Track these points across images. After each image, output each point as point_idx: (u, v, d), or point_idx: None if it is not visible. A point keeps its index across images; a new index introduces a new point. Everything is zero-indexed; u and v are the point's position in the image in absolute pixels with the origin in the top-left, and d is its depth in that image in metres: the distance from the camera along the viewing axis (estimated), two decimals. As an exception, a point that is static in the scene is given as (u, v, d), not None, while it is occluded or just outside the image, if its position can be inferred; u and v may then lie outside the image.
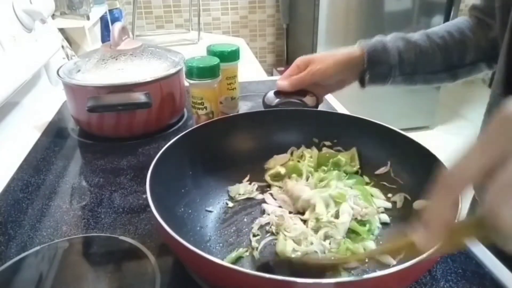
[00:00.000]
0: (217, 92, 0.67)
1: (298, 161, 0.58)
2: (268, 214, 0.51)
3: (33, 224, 0.52)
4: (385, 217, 0.50)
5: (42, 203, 0.56)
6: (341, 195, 0.49)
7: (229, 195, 0.55)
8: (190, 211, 0.50)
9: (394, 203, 0.52)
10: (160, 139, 0.73)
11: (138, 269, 0.45)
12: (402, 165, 0.53)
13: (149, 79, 0.68)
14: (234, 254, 0.45)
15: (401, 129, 0.53)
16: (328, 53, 0.69)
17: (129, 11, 2.35)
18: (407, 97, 2.50)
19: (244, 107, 0.84)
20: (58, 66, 0.75)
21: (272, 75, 2.42)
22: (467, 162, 0.24)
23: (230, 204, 0.54)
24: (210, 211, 0.52)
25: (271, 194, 0.55)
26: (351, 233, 0.47)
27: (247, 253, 0.46)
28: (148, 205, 0.39)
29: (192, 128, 0.56)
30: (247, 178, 0.58)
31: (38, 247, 0.48)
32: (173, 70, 0.72)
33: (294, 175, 0.56)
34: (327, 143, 0.60)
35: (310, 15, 2.28)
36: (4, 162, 0.67)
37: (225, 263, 0.34)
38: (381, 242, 0.47)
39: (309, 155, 0.58)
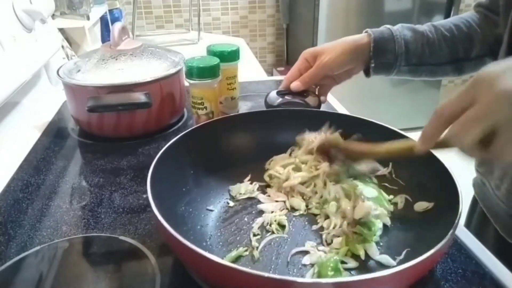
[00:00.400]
0: (217, 92, 0.67)
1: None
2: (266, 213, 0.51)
3: (33, 224, 0.52)
4: (387, 220, 0.50)
5: (42, 203, 0.56)
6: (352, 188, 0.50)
7: (230, 195, 0.55)
8: (190, 210, 0.50)
9: (395, 204, 0.52)
10: (160, 139, 0.73)
11: (138, 269, 0.45)
12: (403, 166, 0.53)
13: (149, 79, 0.68)
14: (234, 253, 0.45)
15: (401, 129, 0.53)
16: (335, 42, 0.69)
17: (129, 11, 2.35)
18: (407, 97, 2.50)
19: (244, 107, 0.84)
20: (58, 66, 0.75)
21: (272, 75, 2.43)
22: (449, 104, 0.36)
23: (231, 204, 0.54)
24: (211, 210, 0.52)
25: (266, 194, 0.55)
26: (354, 234, 0.47)
27: (247, 253, 0.46)
28: (148, 205, 0.39)
29: (193, 127, 0.56)
30: (248, 178, 0.58)
31: (38, 247, 0.48)
32: (173, 70, 0.72)
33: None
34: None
35: (310, 15, 2.28)
36: (4, 162, 0.67)
37: (225, 262, 0.34)
38: (381, 244, 0.47)
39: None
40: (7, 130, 0.75)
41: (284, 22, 2.70)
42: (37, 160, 0.67)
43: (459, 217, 0.38)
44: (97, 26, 1.64)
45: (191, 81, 0.64)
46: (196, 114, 0.67)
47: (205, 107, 0.66)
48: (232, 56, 0.71)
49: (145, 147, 0.70)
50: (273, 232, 0.49)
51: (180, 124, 0.79)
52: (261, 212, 0.52)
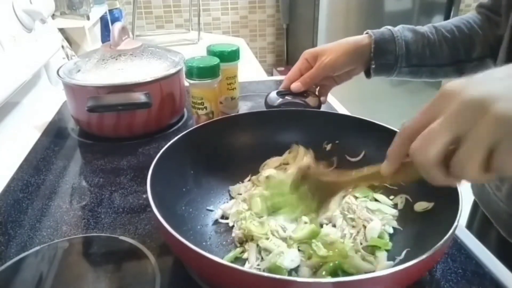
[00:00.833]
0: (217, 92, 0.67)
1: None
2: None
3: (33, 224, 0.52)
4: (394, 223, 0.49)
5: (42, 203, 0.56)
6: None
7: (230, 195, 0.55)
8: (191, 210, 0.50)
9: (395, 205, 0.51)
10: (160, 139, 0.73)
11: (138, 269, 0.45)
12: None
13: (149, 79, 0.68)
14: (233, 253, 0.45)
15: (401, 129, 0.52)
16: (335, 43, 0.69)
17: (129, 11, 2.35)
18: (407, 97, 2.49)
19: (244, 107, 0.84)
20: (58, 66, 0.75)
21: (272, 75, 2.42)
22: (412, 121, 0.33)
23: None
24: (211, 210, 0.52)
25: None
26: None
27: (246, 254, 0.46)
28: (148, 205, 0.39)
29: (193, 127, 0.56)
30: (248, 178, 0.58)
31: (38, 247, 0.48)
32: (173, 70, 0.72)
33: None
34: (329, 144, 0.59)
35: (310, 15, 2.28)
36: (4, 162, 0.67)
37: (224, 261, 0.34)
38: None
39: (303, 155, 0.58)
40: (7, 130, 0.75)
41: (284, 22, 2.70)
42: (37, 160, 0.67)
43: (459, 217, 0.38)
44: (97, 26, 1.63)
45: (191, 81, 0.64)
46: (196, 114, 0.67)
47: (205, 107, 0.66)
48: (232, 56, 0.71)
49: (145, 147, 0.70)
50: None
51: (180, 124, 0.79)
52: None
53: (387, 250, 0.45)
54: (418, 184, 0.50)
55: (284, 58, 2.85)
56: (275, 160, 0.59)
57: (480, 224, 0.71)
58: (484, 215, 0.67)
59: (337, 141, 0.59)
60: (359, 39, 0.69)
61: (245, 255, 0.45)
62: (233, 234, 0.48)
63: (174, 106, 0.76)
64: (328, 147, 0.59)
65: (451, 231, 0.36)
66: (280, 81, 0.74)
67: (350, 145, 0.58)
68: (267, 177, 0.54)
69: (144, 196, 0.56)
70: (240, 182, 0.57)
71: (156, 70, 0.71)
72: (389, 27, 0.70)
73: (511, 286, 0.41)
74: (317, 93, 0.72)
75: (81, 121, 0.74)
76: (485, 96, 0.28)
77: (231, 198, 0.55)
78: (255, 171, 0.58)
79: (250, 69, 1.25)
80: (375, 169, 0.39)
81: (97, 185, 0.60)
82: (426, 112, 0.32)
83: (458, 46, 0.69)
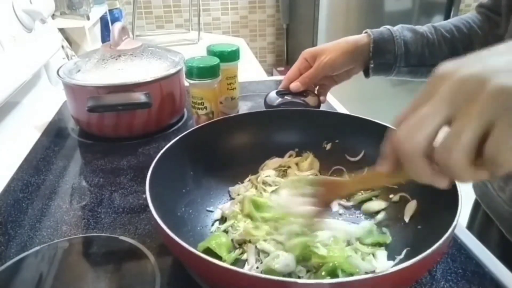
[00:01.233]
0: (217, 92, 0.67)
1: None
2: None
3: (33, 224, 0.52)
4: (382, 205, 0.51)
5: (42, 203, 0.56)
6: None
7: (230, 196, 0.55)
8: (191, 211, 0.50)
9: (395, 203, 0.51)
10: (160, 139, 0.73)
11: (138, 269, 0.45)
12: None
13: (149, 79, 0.68)
14: (233, 255, 0.45)
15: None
16: (335, 42, 0.69)
17: (129, 11, 2.35)
18: (407, 97, 2.49)
19: (244, 107, 0.84)
20: (58, 66, 0.75)
21: (272, 75, 2.42)
22: (405, 111, 0.30)
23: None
24: (211, 211, 0.52)
25: None
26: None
27: (245, 255, 0.45)
28: (148, 205, 0.39)
29: (193, 128, 0.56)
30: (248, 179, 0.58)
31: (38, 247, 0.48)
32: (173, 70, 0.72)
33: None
34: (329, 143, 0.59)
35: (310, 15, 2.28)
36: (4, 162, 0.67)
37: (223, 264, 0.34)
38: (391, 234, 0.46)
39: (306, 160, 0.58)
40: (7, 130, 0.75)
41: (284, 22, 2.70)
42: (37, 160, 0.67)
43: (458, 217, 0.38)
44: (97, 26, 1.63)
45: (191, 81, 0.64)
46: (196, 114, 0.67)
47: (205, 107, 0.66)
48: (232, 56, 0.71)
49: (145, 147, 0.70)
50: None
51: (180, 124, 0.79)
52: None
53: (386, 245, 0.46)
54: (418, 183, 0.50)
55: (284, 58, 2.85)
56: (274, 161, 0.59)
57: (480, 225, 0.71)
58: (485, 215, 0.67)
59: (337, 141, 0.59)
60: (358, 39, 0.69)
61: (244, 256, 0.45)
62: (231, 236, 0.48)
63: (174, 106, 0.76)
64: (328, 146, 0.59)
65: (450, 230, 0.36)
66: (280, 81, 0.74)
67: (350, 144, 0.58)
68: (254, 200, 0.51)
69: (144, 196, 0.56)
70: (240, 183, 0.57)
71: (156, 70, 0.71)
72: (388, 26, 0.70)
73: (511, 286, 0.41)
74: (316, 92, 0.72)
75: (81, 121, 0.74)
76: (483, 71, 0.26)
77: (231, 198, 0.55)
78: (255, 171, 0.58)
79: (250, 69, 1.25)
80: (373, 171, 0.37)
81: (97, 185, 0.60)
82: (417, 100, 0.29)
83: (457, 46, 0.69)
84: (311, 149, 0.59)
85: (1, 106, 0.69)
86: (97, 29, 1.64)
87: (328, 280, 0.37)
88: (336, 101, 0.87)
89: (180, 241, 0.35)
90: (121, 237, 0.49)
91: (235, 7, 2.66)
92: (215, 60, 0.65)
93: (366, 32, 0.69)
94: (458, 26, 0.70)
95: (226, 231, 0.48)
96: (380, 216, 0.50)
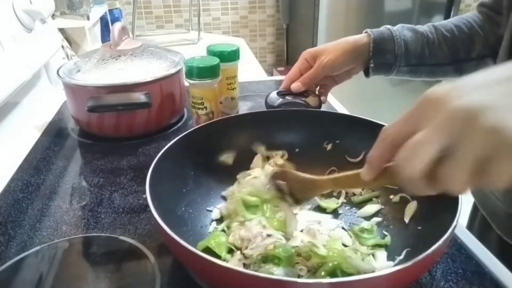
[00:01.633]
0: (217, 92, 0.67)
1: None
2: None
3: (33, 224, 0.52)
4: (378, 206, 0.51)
5: (42, 203, 0.56)
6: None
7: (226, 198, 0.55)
8: (191, 210, 0.50)
9: (396, 203, 0.51)
10: (160, 139, 0.73)
11: (138, 269, 0.45)
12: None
13: (149, 79, 0.68)
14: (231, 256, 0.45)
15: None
16: (335, 42, 0.69)
17: (129, 11, 2.35)
18: (407, 97, 2.49)
19: (244, 107, 0.84)
20: (58, 66, 0.75)
21: (272, 75, 2.42)
22: (395, 126, 0.32)
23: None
24: (211, 211, 0.52)
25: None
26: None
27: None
28: (148, 205, 0.39)
29: (193, 128, 0.56)
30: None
31: (38, 247, 0.48)
32: (173, 70, 0.72)
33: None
34: (330, 144, 0.59)
35: (310, 15, 2.28)
36: (4, 162, 0.67)
37: (223, 263, 0.34)
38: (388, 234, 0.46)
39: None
40: (7, 130, 0.75)
41: (284, 22, 2.70)
42: (37, 160, 0.67)
43: (458, 217, 0.38)
44: (97, 26, 1.63)
45: (191, 81, 0.64)
46: (196, 114, 0.67)
47: (205, 107, 0.66)
48: (232, 56, 0.71)
49: (145, 147, 0.70)
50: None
51: (180, 124, 0.79)
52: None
53: (386, 245, 0.46)
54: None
55: (284, 58, 2.85)
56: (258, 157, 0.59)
57: (480, 225, 0.71)
58: (485, 216, 0.67)
59: (337, 141, 0.59)
60: (358, 39, 0.69)
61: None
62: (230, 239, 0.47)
63: (174, 106, 0.76)
64: (329, 147, 0.59)
65: (450, 230, 0.36)
66: (280, 81, 0.74)
67: (350, 145, 0.58)
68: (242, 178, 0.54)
69: (144, 196, 0.56)
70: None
71: (156, 70, 0.71)
72: (388, 26, 0.70)
73: (511, 287, 0.41)
74: (317, 92, 0.72)
75: (81, 121, 0.74)
76: (473, 106, 0.27)
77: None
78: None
79: (250, 69, 1.25)
80: (353, 172, 0.38)
81: (97, 185, 0.60)
82: (409, 119, 0.31)
83: (458, 46, 0.69)
84: (312, 150, 0.59)
85: (1, 106, 0.69)
86: (97, 29, 1.64)
87: (328, 280, 0.37)
88: (336, 101, 0.87)
89: (181, 240, 0.35)
90: (121, 237, 0.49)
91: (235, 7, 2.66)
92: (215, 60, 0.65)
93: (366, 32, 0.69)
94: (459, 26, 0.70)
95: (224, 231, 0.48)
96: (377, 219, 0.50)
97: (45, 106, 0.87)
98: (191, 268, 0.42)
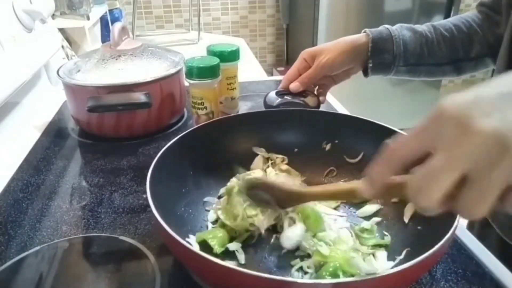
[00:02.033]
0: (217, 92, 0.67)
1: None
2: None
3: (33, 224, 0.52)
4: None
5: (42, 203, 0.56)
6: None
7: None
8: (190, 210, 0.50)
9: (395, 203, 0.51)
10: (160, 139, 0.73)
11: (138, 269, 0.45)
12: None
13: (149, 79, 0.68)
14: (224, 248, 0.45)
15: (401, 129, 0.52)
16: (333, 42, 0.69)
17: (129, 11, 2.35)
18: (407, 97, 2.50)
19: (244, 107, 0.84)
20: (58, 66, 0.75)
21: (272, 75, 2.42)
22: (405, 143, 0.29)
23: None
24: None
25: None
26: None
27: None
28: (148, 205, 0.39)
29: (193, 128, 0.56)
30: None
31: (38, 247, 0.48)
32: (173, 70, 0.72)
33: None
34: (329, 144, 0.59)
35: (310, 15, 2.28)
36: (4, 162, 0.67)
37: (223, 263, 0.34)
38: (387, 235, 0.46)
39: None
40: (7, 130, 0.75)
41: (284, 22, 2.70)
42: (37, 160, 0.67)
43: (459, 217, 0.38)
44: (97, 26, 1.63)
45: (191, 81, 0.64)
46: (196, 114, 0.67)
47: (205, 107, 0.66)
48: (232, 56, 0.71)
49: (145, 147, 0.70)
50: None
51: (180, 124, 0.79)
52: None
53: (386, 245, 0.46)
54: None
55: (284, 58, 2.85)
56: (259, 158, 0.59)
57: (481, 226, 0.71)
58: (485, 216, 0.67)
59: (336, 141, 0.59)
60: (356, 38, 0.69)
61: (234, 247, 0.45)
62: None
63: (174, 106, 0.76)
64: (328, 147, 0.59)
65: (451, 231, 0.36)
66: (280, 81, 0.74)
67: (349, 145, 0.58)
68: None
69: (144, 196, 0.56)
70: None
71: (156, 70, 0.71)
72: (387, 26, 0.70)
73: (511, 286, 0.41)
74: (316, 92, 0.72)
75: (81, 121, 0.74)
76: (503, 131, 0.24)
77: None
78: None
79: (250, 69, 1.25)
80: (349, 186, 0.36)
81: (97, 185, 0.60)
82: (419, 136, 0.28)
83: (457, 45, 0.69)
84: (310, 149, 0.59)
85: (1, 106, 0.69)
86: (97, 29, 1.64)
87: (328, 280, 0.37)
88: (336, 101, 0.87)
89: (181, 240, 0.35)
90: (121, 237, 0.49)
91: (235, 7, 2.66)
92: (215, 60, 0.65)
93: (364, 32, 0.69)
94: (458, 25, 0.70)
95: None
96: (376, 219, 0.50)
97: (45, 106, 0.87)
98: (191, 268, 0.42)
